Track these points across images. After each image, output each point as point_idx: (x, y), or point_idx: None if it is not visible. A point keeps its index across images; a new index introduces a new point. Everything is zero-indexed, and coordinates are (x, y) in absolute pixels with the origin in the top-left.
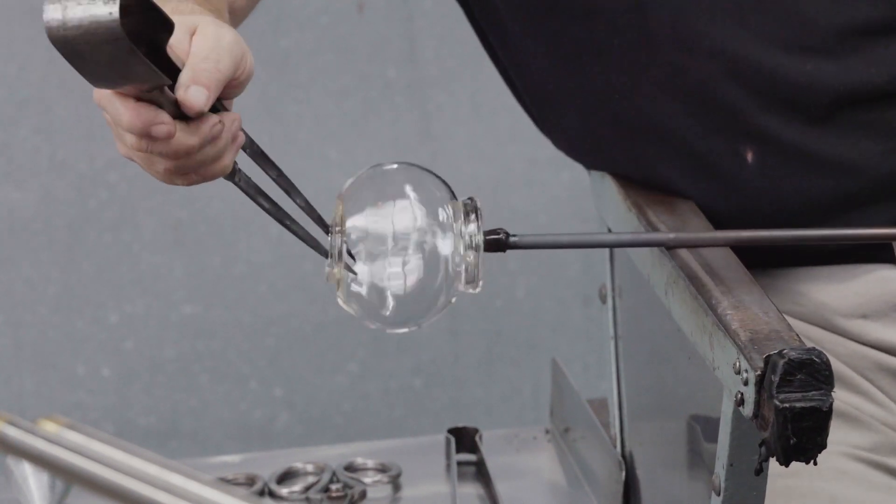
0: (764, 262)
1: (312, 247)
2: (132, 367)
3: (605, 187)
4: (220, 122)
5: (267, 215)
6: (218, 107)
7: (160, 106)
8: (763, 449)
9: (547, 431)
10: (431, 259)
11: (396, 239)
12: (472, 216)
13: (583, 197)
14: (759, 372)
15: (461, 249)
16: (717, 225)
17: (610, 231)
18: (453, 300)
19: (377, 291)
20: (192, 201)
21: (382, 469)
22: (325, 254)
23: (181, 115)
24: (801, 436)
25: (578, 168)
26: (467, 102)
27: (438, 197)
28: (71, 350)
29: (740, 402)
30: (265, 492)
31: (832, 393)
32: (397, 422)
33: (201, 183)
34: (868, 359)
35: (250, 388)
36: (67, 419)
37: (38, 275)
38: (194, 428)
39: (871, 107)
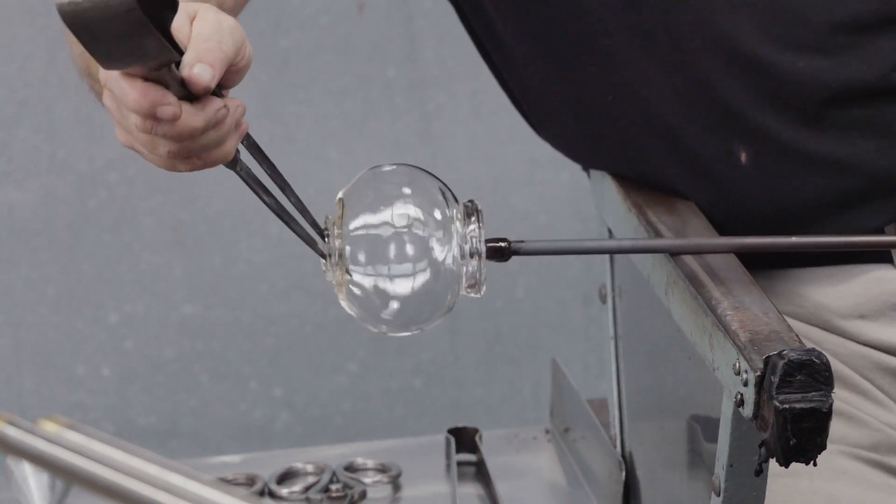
0: (761, 263)
1: (310, 245)
2: (132, 367)
3: (605, 187)
4: (224, 106)
5: (267, 214)
6: (219, 94)
7: (166, 86)
8: (763, 450)
9: (547, 431)
10: (433, 263)
11: (397, 242)
12: (473, 218)
13: (583, 197)
14: (758, 373)
15: (461, 254)
16: (714, 224)
17: (610, 231)
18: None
19: (378, 295)
20: (192, 201)
21: (382, 469)
22: (321, 254)
23: (186, 96)
24: (801, 437)
25: (578, 168)
26: (467, 102)
27: (439, 199)
28: (71, 350)
29: (740, 402)
30: (265, 492)
31: (832, 394)
32: (397, 422)
33: (203, 168)
34: (867, 358)
35: (250, 388)
36: (67, 419)
37: (38, 275)
38: (194, 428)
39: (865, 104)
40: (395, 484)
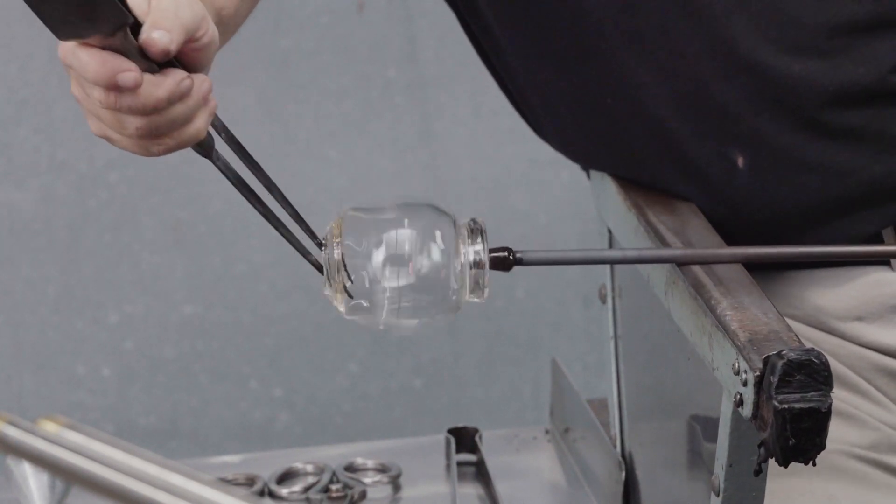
0: (760, 265)
1: (294, 245)
2: (132, 367)
3: (605, 187)
4: (188, 77)
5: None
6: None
7: (126, 55)
8: (762, 449)
9: (547, 431)
10: (434, 269)
11: (398, 254)
12: (478, 237)
13: (583, 197)
14: (757, 373)
15: (465, 267)
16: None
17: (610, 231)
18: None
19: (378, 306)
20: (192, 201)
21: (382, 469)
22: (303, 251)
23: (148, 69)
24: (800, 436)
25: (578, 168)
26: (467, 102)
27: (442, 216)
28: (71, 350)
29: (739, 402)
30: (265, 492)
31: (831, 394)
32: (397, 422)
33: (176, 149)
34: (865, 360)
35: (250, 388)
36: (67, 419)
37: (38, 275)
38: (194, 428)
39: (862, 107)
40: (395, 484)
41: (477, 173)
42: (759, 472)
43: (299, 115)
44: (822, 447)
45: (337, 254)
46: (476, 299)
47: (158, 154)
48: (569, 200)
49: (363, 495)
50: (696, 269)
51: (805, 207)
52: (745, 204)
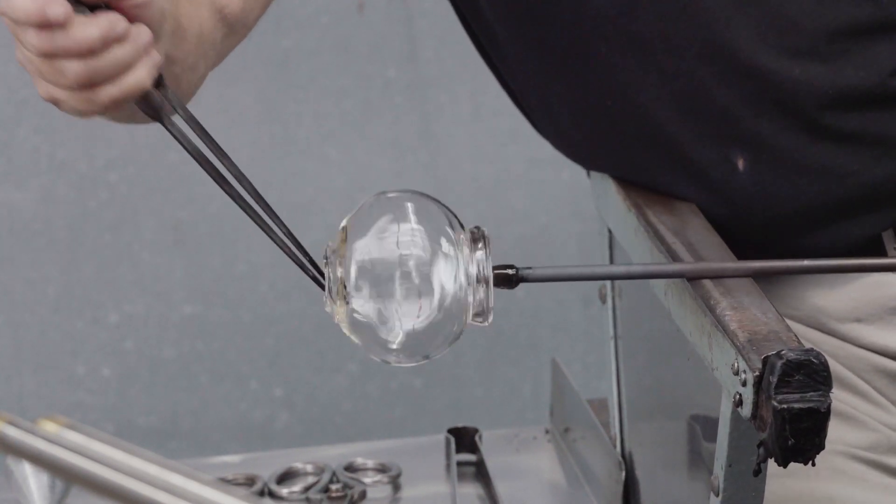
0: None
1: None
2: (132, 367)
3: (605, 187)
4: (123, 21)
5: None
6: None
7: None
8: (761, 450)
9: (547, 431)
10: (440, 292)
11: (401, 271)
12: (481, 244)
13: (583, 197)
14: (757, 373)
15: (468, 281)
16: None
17: (609, 231)
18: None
19: (382, 326)
20: (192, 201)
21: (382, 469)
22: (282, 245)
23: (79, 11)
24: (800, 437)
25: (578, 168)
26: (467, 102)
27: (445, 227)
28: (71, 350)
29: (739, 402)
30: (265, 492)
31: (830, 394)
32: (397, 422)
33: (121, 101)
34: (864, 361)
35: (250, 388)
36: (67, 419)
37: (38, 275)
38: (194, 428)
39: (862, 110)
40: (395, 484)
41: (477, 173)
42: (759, 472)
43: (299, 114)
44: (822, 447)
45: (340, 272)
46: (480, 322)
47: (106, 108)
48: (569, 200)
49: (363, 495)
50: None
51: (805, 209)
52: (745, 206)
